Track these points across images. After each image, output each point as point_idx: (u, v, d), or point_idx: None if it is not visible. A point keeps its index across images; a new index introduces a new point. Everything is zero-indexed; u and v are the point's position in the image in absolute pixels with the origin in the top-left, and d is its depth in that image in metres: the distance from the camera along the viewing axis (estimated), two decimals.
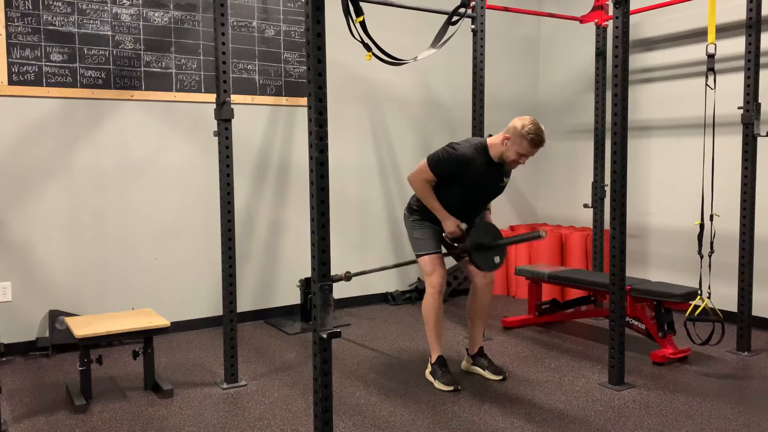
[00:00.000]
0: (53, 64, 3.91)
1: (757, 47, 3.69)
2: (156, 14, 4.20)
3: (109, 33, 4.07)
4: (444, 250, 3.46)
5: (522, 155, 3.15)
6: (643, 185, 5.14)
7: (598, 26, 4.83)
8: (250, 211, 4.65)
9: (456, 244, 3.34)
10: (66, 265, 4.02)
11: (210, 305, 4.46)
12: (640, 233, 5.18)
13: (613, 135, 3.25)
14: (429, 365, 3.46)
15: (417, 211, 3.44)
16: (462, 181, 3.25)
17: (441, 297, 3.37)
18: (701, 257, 3.61)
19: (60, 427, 2.89)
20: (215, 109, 3.27)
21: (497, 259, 3.32)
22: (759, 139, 3.84)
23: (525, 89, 5.99)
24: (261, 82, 4.61)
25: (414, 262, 3.96)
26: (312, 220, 2.20)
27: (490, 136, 3.31)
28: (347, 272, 4.31)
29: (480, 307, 3.52)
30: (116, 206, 4.16)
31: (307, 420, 2.94)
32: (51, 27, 3.89)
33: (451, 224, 3.28)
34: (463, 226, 3.28)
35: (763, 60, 4.05)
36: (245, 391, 3.33)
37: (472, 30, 4.15)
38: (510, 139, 3.14)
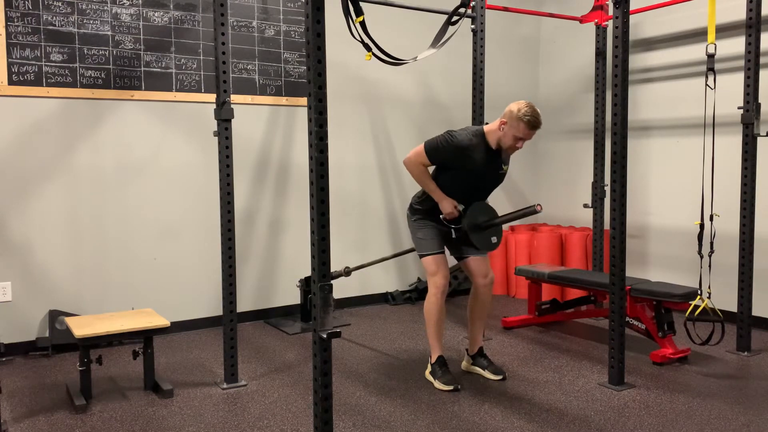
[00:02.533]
0: (53, 64, 3.91)
1: (757, 47, 3.69)
2: (156, 14, 4.20)
3: (109, 33, 4.07)
4: (447, 251, 3.46)
5: (519, 138, 3.16)
6: (643, 185, 5.14)
7: (598, 26, 4.83)
8: (250, 211, 4.65)
9: (453, 226, 3.35)
10: (66, 265, 4.03)
11: (210, 305, 4.46)
12: (640, 233, 5.18)
13: (613, 135, 3.25)
14: (429, 365, 3.46)
15: (419, 211, 3.44)
16: (463, 170, 3.26)
17: (444, 297, 3.37)
18: (701, 257, 3.61)
19: (60, 427, 2.89)
20: (215, 109, 3.27)
21: (494, 240, 3.34)
22: (759, 139, 3.84)
23: (525, 89, 5.99)
24: (261, 82, 4.61)
25: (412, 250, 3.99)
26: (312, 220, 2.20)
27: (487, 124, 3.33)
28: (346, 267, 4.32)
29: (480, 307, 3.52)
30: (116, 206, 4.16)
31: (307, 420, 2.94)
32: (51, 27, 3.89)
33: (448, 205, 3.28)
34: (460, 207, 3.29)
35: (763, 60, 4.05)
36: (245, 391, 3.33)
37: (472, 30, 4.15)
38: (507, 123, 3.15)
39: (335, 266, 4.01)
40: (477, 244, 3.31)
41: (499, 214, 3.38)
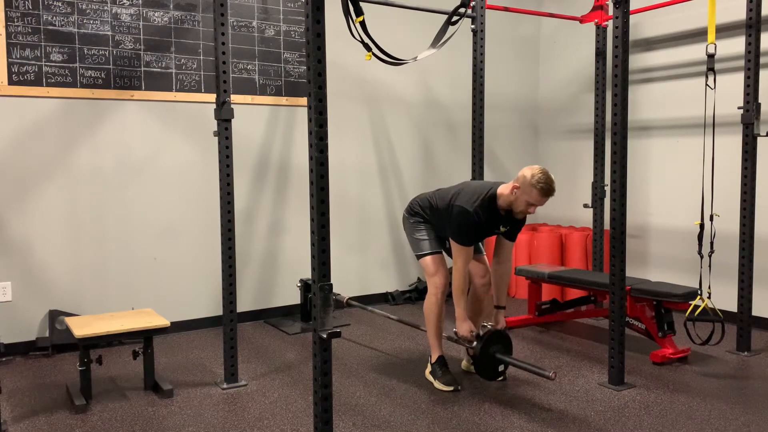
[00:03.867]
0: (53, 64, 3.91)
1: (757, 47, 3.69)
2: (156, 14, 4.20)
3: (109, 33, 4.07)
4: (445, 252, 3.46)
5: (531, 204, 3.13)
6: (643, 185, 5.14)
7: (598, 26, 4.83)
8: (250, 211, 4.65)
9: (466, 345, 3.36)
10: (66, 265, 4.02)
11: (210, 305, 4.46)
12: (640, 233, 5.18)
13: (613, 135, 3.26)
14: (429, 365, 3.46)
15: (418, 214, 3.43)
16: None
17: (444, 297, 3.37)
18: (701, 257, 3.61)
19: (60, 427, 2.89)
20: (215, 109, 3.27)
21: (501, 368, 3.32)
22: (759, 139, 3.84)
23: (525, 89, 5.99)
24: (261, 82, 4.61)
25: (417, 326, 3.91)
26: (312, 220, 2.20)
27: (501, 183, 3.24)
28: (349, 299, 4.33)
29: (478, 308, 3.52)
30: (116, 206, 4.16)
31: (307, 420, 2.94)
32: (51, 27, 3.89)
33: (465, 328, 3.26)
34: (475, 332, 3.27)
35: (763, 60, 4.05)
36: (245, 391, 3.33)
37: (472, 30, 4.15)
38: (520, 189, 3.11)
39: (335, 268, 4.00)
40: (481, 369, 3.28)
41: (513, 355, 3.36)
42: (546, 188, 3.08)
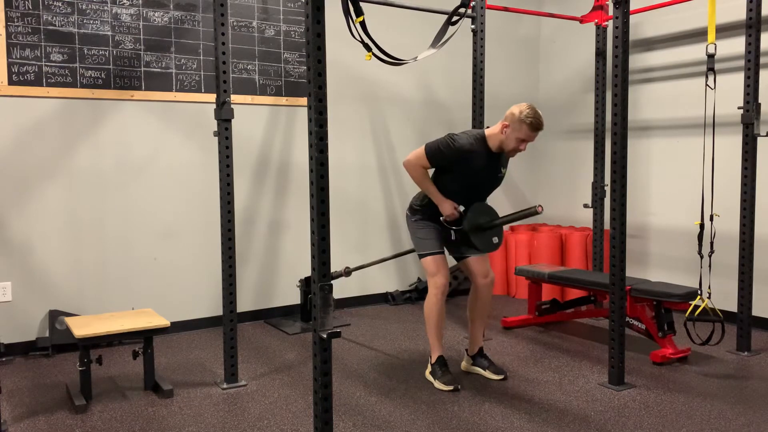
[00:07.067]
0: (53, 64, 3.91)
1: (757, 47, 3.69)
2: (156, 14, 4.20)
3: (109, 33, 4.07)
4: (447, 252, 3.46)
5: (522, 141, 3.18)
6: (643, 185, 5.14)
7: (598, 26, 4.84)
8: (250, 211, 4.65)
9: (453, 228, 3.37)
10: (66, 265, 4.02)
11: (210, 305, 4.46)
12: (640, 233, 5.18)
13: (613, 135, 3.26)
14: (429, 365, 3.46)
15: (419, 211, 3.44)
16: (462, 173, 3.27)
17: (444, 297, 3.37)
18: (701, 257, 3.61)
19: (60, 427, 2.89)
20: (215, 109, 3.27)
21: (495, 240, 3.37)
22: (759, 139, 3.84)
23: (525, 89, 5.99)
24: (261, 82, 4.61)
25: (412, 251, 4.00)
26: (312, 220, 2.20)
27: (488, 127, 3.33)
28: (346, 267, 4.34)
29: (480, 307, 3.52)
30: (116, 206, 4.16)
31: (307, 420, 2.94)
32: (51, 27, 3.89)
33: (448, 207, 3.29)
34: (461, 208, 3.31)
35: (763, 60, 4.05)
36: (245, 391, 3.33)
37: (472, 30, 4.15)
38: (509, 126, 3.17)
39: (335, 267, 4.01)
40: (478, 245, 3.32)
41: (500, 215, 3.39)
42: (535, 122, 3.13)
